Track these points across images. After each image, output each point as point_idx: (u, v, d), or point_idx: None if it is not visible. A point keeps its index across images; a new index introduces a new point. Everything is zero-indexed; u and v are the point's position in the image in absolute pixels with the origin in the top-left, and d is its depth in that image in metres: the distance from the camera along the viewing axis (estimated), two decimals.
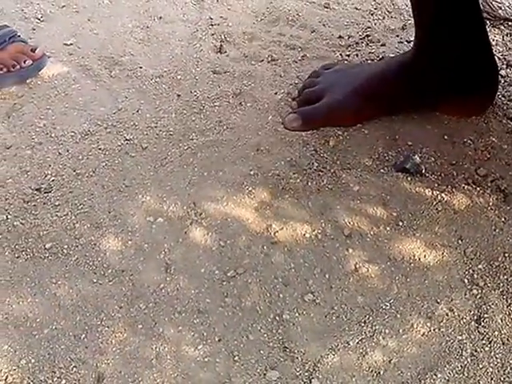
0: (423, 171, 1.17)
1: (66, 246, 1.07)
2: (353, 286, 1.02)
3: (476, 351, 0.95)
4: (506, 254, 1.05)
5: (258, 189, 1.15)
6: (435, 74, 1.22)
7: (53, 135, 1.26)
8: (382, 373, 0.93)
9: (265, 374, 0.93)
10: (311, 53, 1.43)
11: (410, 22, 1.50)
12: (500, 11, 1.54)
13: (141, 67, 1.40)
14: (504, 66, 1.40)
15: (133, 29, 1.51)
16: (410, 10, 1.50)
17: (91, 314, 0.99)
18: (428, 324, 0.98)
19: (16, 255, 1.06)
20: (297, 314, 0.99)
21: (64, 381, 0.92)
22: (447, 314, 0.99)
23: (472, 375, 0.92)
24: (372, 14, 1.54)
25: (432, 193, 1.14)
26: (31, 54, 1.37)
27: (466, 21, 1.19)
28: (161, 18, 1.54)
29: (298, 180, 1.16)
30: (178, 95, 1.34)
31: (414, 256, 1.06)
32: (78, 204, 1.13)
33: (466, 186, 1.14)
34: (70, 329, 0.97)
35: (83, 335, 0.96)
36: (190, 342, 0.96)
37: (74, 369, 0.93)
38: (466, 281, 1.02)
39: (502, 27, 1.52)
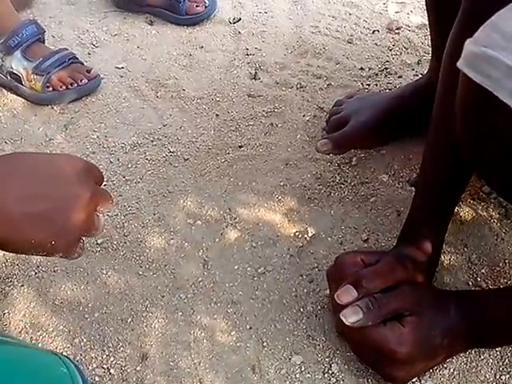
0: None
1: (115, 242, 1.13)
2: None
3: None
4: (507, 261, 1.07)
5: (287, 198, 1.20)
6: None
7: (105, 146, 1.32)
8: None
9: (290, 359, 0.97)
10: (335, 82, 1.48)
11: (424, 57, 1.55)
12: None
13: (184, 89, 1.47)
14: None
15: (177, 56, 1.58)
16: (425, 47, 1.57)
17: (137, 301, 1.04)
18: None
19: None
20: (319, 307, 1.03)
21: (112, 358, 0.97)
22: None
23: (475, 365, 0.95)
24: (390, 50, 1.58)
25: None
26: (87, 75, 1.44)
27: None
28: (202, 47, 1.61)
29: (322, 191, 1.21)
30: (217, 115, 1.40)
31: None
32: (126, 206, 1.19)
33: (471, 201, 1.17)
34: (117, 313, 1.02)
35: (129, 319, 1.01)
36: (224, 329, 1.00)
37: (121, 348, 0.98)
38: (470, 283, 1.05)
39: None
